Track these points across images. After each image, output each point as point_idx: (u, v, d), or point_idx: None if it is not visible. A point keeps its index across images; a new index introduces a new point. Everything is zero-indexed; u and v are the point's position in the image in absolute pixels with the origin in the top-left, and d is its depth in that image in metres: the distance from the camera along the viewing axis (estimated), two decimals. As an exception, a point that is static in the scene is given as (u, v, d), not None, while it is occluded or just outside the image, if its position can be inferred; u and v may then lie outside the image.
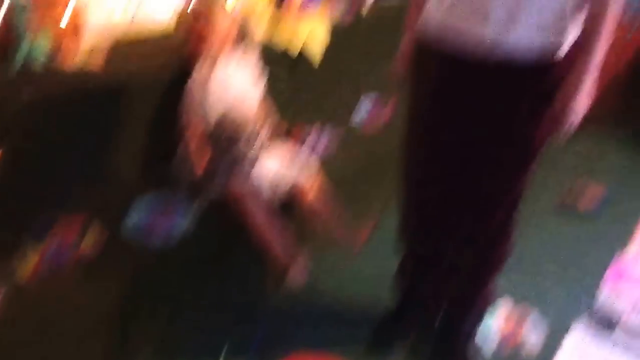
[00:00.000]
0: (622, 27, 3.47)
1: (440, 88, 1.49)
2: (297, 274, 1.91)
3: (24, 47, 1.96)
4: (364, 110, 2.83)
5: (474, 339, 1.84)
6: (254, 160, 2.08)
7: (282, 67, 2.46)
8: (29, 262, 1.75)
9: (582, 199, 2.87)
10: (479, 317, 1.85)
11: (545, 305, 2.16)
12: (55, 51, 2.05)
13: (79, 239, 1.85)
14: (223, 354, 1.89)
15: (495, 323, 2.08)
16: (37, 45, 1.98)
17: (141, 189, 2.09)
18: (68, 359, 1.65)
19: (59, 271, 1.75)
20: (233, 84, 2.06)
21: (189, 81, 2.03)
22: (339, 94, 2.77)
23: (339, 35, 2.61)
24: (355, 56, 2.79)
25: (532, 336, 2.06)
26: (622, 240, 2.61)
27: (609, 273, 2.40)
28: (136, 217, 1.96)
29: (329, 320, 1.86)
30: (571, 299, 2.24)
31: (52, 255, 1.80)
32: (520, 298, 2.19)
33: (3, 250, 1.77)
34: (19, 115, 1.79)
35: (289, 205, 2.10)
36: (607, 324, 2.13)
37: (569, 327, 2.08)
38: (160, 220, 1.95)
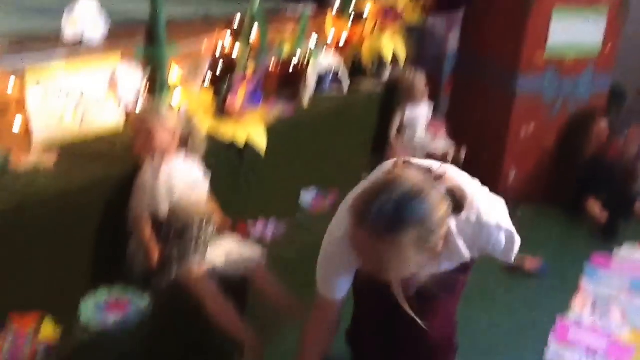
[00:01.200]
0: (545, 108, 3.82)
1: None
2: (253, 352, 2.00)
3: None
4: (306, 202, 3.02)
5: None
6: (205, 248, 2.21)
7: (229, 158, 2.64)
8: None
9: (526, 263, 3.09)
10: None
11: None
12: (7, 156, 2.18)
13: (34, 333, 1.90)
14: None
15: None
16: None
17: (92, 285, 2.16)
18: None
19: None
20: (181, 178, 2.21)
21: (138, 176, 2.18)
22: (281, 189, 2.95)
23: (280, 130, 2.82)
24: (296, 150, 3.00)
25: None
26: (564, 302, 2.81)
27: (553, 335, 2.57)
28: (89, 312, 2.03)
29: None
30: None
31: (9, 342, 1.86)
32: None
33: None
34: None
35: (240, 287, 2.21)
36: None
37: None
38: (113, 313, 2.02)
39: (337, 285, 1.77)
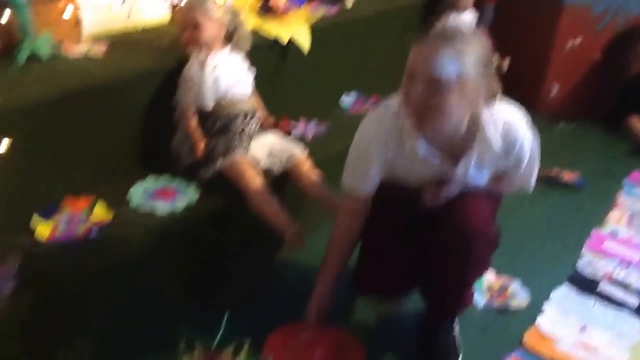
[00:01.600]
0: (592, 22, 3.74)
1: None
2: (293, 241, 2.10)
3: (28, 42, 2.16)
4: (347, 105, 3.05)
5: (452, 332, 2.05)
6: (248, 142, 2.29)
7: (273, 56, 2.69)
8: (41, 234, 1.91)
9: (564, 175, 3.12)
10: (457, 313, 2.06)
11: (526, 277, 2.40)
12: (58, 45, 2.25)
13: (88, 213, 2.02)
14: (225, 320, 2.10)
15: (482, 284, 2.34)
16: (41, 39, 2.17)
17: (141, 174, 2.27)
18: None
19: (70, 240, 1.92)
20: (226, 71, 2.26)
21: (185, 69, 2.24)
22: (322, 90, 2.99)
23: (324, 30, 2.84)
24: (338, 52, 3.02)
25: (517, 298, 2.28)
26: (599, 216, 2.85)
27: (587, 245, 2.63)
28: (138, 198, 2.14)
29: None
30: (552, 270, 2.45)
31: (63, 223, 1.98)
32: (503, 270, 2.41)
33: (16, 226, 1.94)
34: (27, 104, 1.96)
35: (281, 180, 2.31)
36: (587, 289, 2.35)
37: (549, 295, 2.30)
38: (160, 200, 2.13)
39: (367, 176, 1.86)
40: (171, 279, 2.09)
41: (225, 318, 2.11)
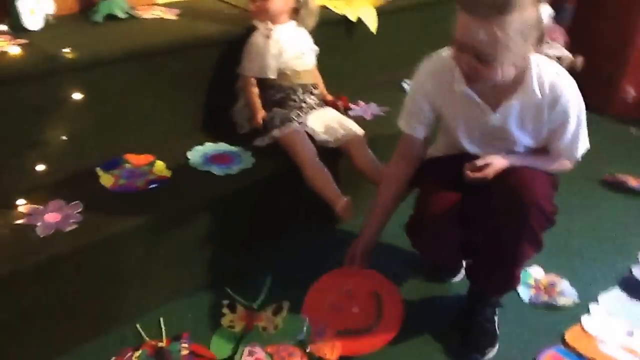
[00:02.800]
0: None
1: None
2: (342, 213, 2.25)
3: (106, 2, 2.39)
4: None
5: (492, 318, 2.16)
6: (306, 114, 2.47)
7: (339, 34, 2.86)
8: (104, 183, 2.14)
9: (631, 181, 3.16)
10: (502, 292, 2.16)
11: (576, 277, 2.48)
12: (133, 7, 2.48)
13: (148, 169, 2.23)
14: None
15: (529, 279, 2.44)
16: (117, 0, 2.41)
17: (200, 138, 2.47)
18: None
19: (130, 191, 2.14)
20: (290, 45, 2.45)
21: (250, 38, 2.44)
22: (385, 73, 3.13)
23: (392, 13, 3.00)
24: (405, 36, 3.15)
25: (564, 296, 2.38)
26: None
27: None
28: (196, 159, 2.34)
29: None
30: (604, 273, 2.53)
31: (125, 176, 2.19)
32: (553, 268, 2.51)
33: (82, 174, 2.18)
34: (101, 60, 2.19)
35: (337, 154, 2.47)
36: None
37: (597, 298, 2.39)
38: (217, 163, 2.33)
39: (417, 120, 2.08)
40: (221, 238, 2.27)
41: (268, 282, 2.30)
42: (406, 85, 3.10)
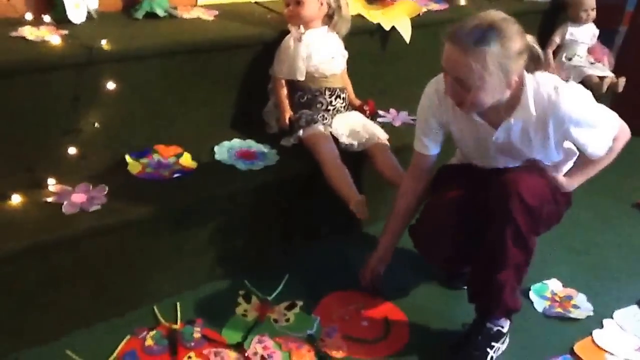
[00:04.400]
0: None
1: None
2: (357, 210, 2.30)
3: (147, 1, 2.53)
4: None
5: (486, 347, 2.11)
6: (332, 117, 2.55)
7: (372, 41, 2.94)
8: (132, 170, 2.26)
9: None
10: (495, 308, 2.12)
11: (594, 293, 2.48)
12: (174, 7, 2.61)
13: (175, 160, 2.35)
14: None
15: (545, 291, 2.46)
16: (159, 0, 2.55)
17: (228, 135, 2.58)
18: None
19: (155, 179, 2.25)
20: (321, 49, 2.55)
21: (283, 41, 2.54)
22: (417, 84, 3.17)
23: (427, 25, 3.06)
24: (439, 49, 3.19)
25: (578, 310, 2.38)
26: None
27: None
28: (222, 154, 2.44)
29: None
30: (622, 291, 2.52)
31: (152, 166, 2.31)
32: (571, 282, 2.52)
33: (111, 160, 2.31)
34: (139, 54, 2.32)
35: (361, 158, 2.54)
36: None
37: (612, 314, 2.38)
38: (242, 159, 2.42)
39: (426, 137, 2.16)
40: (241, 232, 2.37)
41: (285, 279, 2.38)
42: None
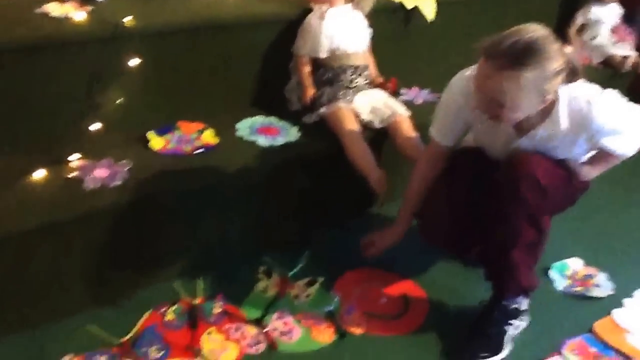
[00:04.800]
0: None
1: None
2: (376, 182, 2.32)
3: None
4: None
5: (503, 324, 2.10)
6: (354, 95, 2.53)
7: (395, 20, 2.92)
8: (154, 146, 2.27)
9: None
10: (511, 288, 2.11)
11: (615, 272, 2.46)
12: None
13: (197, 136, 2.35)
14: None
15: (566, 270, 2.44)
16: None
17: (250, 111, 2.58)
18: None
19: (177, 155, 2.25)
20: (343, 26, 2.52)
21: (306, 19, 2.52)
22: (439, 63, 3.14)
23: (451, 5, 3.03)
24: (463, 28, 3.16)
25: (599, 289, 2.36)
26: None
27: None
28: (244, 130, 2.45)
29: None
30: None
31: (174, 141, 2.31)
32: (593, 262, 2.50)
33: (133, 136, 2.31)
34: (162, 30, 2.31)
35: (382, 135, 2.52)
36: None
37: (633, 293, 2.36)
38: (264, 135, 2.42)
39: (447, 131, 2.12)
40: (261, 208, 2.36)
41: (304, 256, 2.38)
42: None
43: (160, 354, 1.91)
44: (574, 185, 2.07)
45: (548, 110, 1.88)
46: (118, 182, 2.04)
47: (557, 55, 1.74)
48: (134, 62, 2.23)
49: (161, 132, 2.33)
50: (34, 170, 2.02)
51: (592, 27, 3.60)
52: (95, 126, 2.21)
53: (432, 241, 2.28)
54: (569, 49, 1.88)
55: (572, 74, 1.83)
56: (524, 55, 1.70)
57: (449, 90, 2.09)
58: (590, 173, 2.08)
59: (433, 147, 2.18)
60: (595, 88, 1.91)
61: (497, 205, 1.98)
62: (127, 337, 1.96)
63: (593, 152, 2.05)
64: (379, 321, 2.14)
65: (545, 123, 1.91)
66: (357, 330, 2.09)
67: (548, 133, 1.93)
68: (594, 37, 3.59)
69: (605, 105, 1.88)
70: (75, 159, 2.11)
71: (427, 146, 2.22)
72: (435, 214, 2.16)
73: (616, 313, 2.25)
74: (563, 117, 1.88)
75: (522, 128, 1.94)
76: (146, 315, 2.05)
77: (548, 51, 1.72)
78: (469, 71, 1.99)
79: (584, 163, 2.06)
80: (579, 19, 3.60)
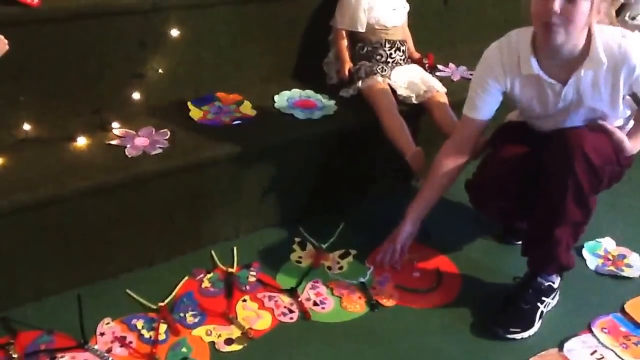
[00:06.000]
0: None
1: None
2: (413, 159, 2.29)
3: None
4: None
5: (536, 301, 2.05)
6: (391, 69, 2.49)
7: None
8: (194, 116, 2.28)
9: None
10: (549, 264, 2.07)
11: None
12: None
13: (235, 107, 2.35)
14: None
15: (598, 249, 2.40)
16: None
17: (288, 84, 2.56)
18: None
19: (216, 125, 2.25)
20: (382, 1, 2.49)
21: (344, -6, 2.49)
22: (478, 40, 3.08)
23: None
24: (502, 7, 3.10)
25: (631, 269, 2.32)
26: None
27: None
28: (281, 103, 2.43)
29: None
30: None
31: (213, 112, 2.32)
32: (626, 242, 2.44)
33: (175, 106, 2.32)
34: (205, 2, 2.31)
35: (418, 110, 2.49)
36: None
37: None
38: (301, 108, 2.40)
39: (479, 103, 2.06)
40: (298, 180, 2.35)
41: (339, 228, 2.36)
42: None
43: (197, 319, 1.92)
44: (622, 162, 2.02)
45: (585, 50, 1.87)
46: (158, 151, 2.04)
47: None
48: (176, 32, 2.23)
49: (200, 102, 2.34)
50: (77, 136, 2.05)
51: (633, 6, 3.50)
52: (137, 95, 2.21)
53: (487, 211, 2.21)
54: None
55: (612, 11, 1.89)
56: None
57: (484, 60, 2.05)
58: (635, 147, 2.01)
59: (462, 125, 2.13)
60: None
61: (547, 182, 1.94)
62: (165, 302, 1.97)
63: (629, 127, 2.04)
64: (411, 294, 2.13)
65: (586, 62, 1.88)
66: (389, 302, 2.07)
67: (591, 73, 1.90)
68: (635, 17, 3.50)
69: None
70: (117, 127, 2.13)
71: (455, 131, 2.18)
72: (486, 180, 2.08)
73: (649, 293, 2.21)
74: (602, 50, 1.86)
75: (564, 75, 1.91)
76: (183, 281, 2.06)
77: None
78: (500, 39, 1.99)
79: (628, 135, 2.00)
80: (620, -3, 3.51)
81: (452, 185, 2.17)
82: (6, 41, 1.73)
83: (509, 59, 1.96)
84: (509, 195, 2.06)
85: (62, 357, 1.75)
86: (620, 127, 2.02)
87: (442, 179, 2.14)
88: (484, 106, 2.06)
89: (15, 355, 1.72)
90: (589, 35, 1.86)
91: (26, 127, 2.04)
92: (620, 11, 3.53)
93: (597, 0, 1.78)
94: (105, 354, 1.77)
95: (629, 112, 2.08)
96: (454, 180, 2.16)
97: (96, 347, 1.79)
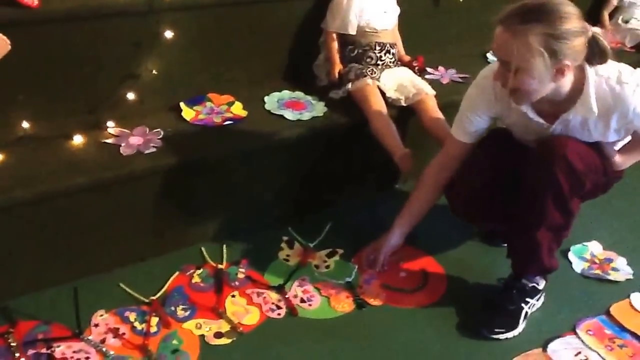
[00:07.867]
0: None
1: None
2: (401, 160, 2.44)
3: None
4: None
5: (520, 302, 2.16)
6: (380, 72, 2.66)
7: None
8: (186, 116, 2.45)
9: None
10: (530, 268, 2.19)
11: (635, 257, 2.53)
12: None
13: (226, 108, 2.52)
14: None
15: (585, 253, 2.53)
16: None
17: (278, 86, 2.73)
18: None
19: (208, 125, 2.42)
20: (372, 4, 2.66)
21: (334, -2, 2.66)
22: (468, 44, 3.26)
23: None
24: (493, 9, 3.24)
25: (617, 273, 2.45)
26: None
27: None
28: (271, 104, 2.60)
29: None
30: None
31: (205, 112, 2.49)
32: (613, 246, 2.59)
33: (166, 107, 2.50)
34: (196, 4, 2.48)
35: (407, 113, 2.65)
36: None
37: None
38: (291, 109, 2.58)
39: (468, 127, 2.15)
40: (286, 180, 2.52)
41: (327, 228, 2.53)
42: (491, 56, 3.21)
43: (187, 313, 2.09)
44: (608, 174, 2.11)
45: (577, 93, 1.89)
46: (152, 150, 2.21)
47: (572, 17, 1.75)
48: (169, 34, 2.38)
49: (192, 103, 2.51)
50: (73, 134, 2.21)
51: (626, 9, 3.66)
52: (131, 95, 2.37)
53: (460, 214, 2.31)
54: (596, 29, 1.85)
55: (601, 55, 1.83)
56: (534, 12, 1.74)
57: (475, 85, 2.13)
58: (625, 162, 2.12)
59: (450, 146, 2.22)
60: (625, 67, 1.93)
61: (527, 185, 2.02)
62: (156, 296, 2.13)
63: (627, 140, 2.09)
64: (397, 294, 2.26)
65: (576, 107, 1.92)
66: (375, 302, 2.22)
67: (580, 117, 1.94)
68: (628, 20, 3.66)
69: (637, 85, 1.89)
70: (112, 126, 2.30)
71: (443, 149, 2.28)
72: (464, 186, 2.19)
73: (634, 297, 2.31)
74: (594, 99, 1.88)
75: (552, 113, 1.97)
76: (174, 276, 2.23)
77: (560, 11, 1.74)
78: (494, 65, 2.01)
79: (618, 151, 2.10)
80: (613, 1, 3.66)
81: (440, 198, 2.31)
82: (8, 41, 1.87)
83: (500, 90, 1.99)
84: (488, 202, 2.17)
85: (58, 346, 1.91)
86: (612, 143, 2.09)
87: (429, 194, 2.28)
88: (471, 130, 2.15)
89: (14, 344, 1.88)
90: (582, 75, 1.88)
91: (24, 125, 2.19)
92: (613, 14, 3.71)
93: (565, 48, 1.75)
94: (99, 344, 1.93)
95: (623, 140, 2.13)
96: (441, 194, 2.30)
97: (91, 337, 1.96)
